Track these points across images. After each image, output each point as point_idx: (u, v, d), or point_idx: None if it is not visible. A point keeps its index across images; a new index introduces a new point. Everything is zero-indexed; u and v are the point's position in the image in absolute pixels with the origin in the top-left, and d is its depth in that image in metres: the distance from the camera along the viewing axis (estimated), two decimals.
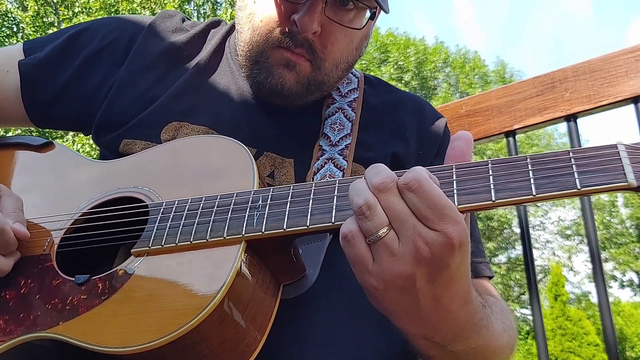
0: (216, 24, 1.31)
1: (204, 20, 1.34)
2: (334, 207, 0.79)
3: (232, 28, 1.28)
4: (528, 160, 0.75)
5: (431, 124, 1.25)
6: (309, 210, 0.80)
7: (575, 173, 0.72)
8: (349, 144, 1.12)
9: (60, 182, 1.05)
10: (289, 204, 0.82)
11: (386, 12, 1.12)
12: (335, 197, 0.80)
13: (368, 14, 1.11)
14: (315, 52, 1.07)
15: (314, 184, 0.84)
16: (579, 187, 0.71)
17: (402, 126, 1.20)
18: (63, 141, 11.11)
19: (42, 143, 1.11)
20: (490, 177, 0.75)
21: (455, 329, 0.82)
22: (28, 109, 1.22)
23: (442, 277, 0.74)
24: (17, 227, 0.90)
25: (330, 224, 0.78)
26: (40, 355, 0.85)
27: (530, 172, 0.74)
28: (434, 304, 0.77)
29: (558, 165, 0.73)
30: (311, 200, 0.81)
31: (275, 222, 0.81)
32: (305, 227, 0.79)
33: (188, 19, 1.32)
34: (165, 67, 1.20)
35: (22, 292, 0.88)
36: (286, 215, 0.81)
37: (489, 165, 0.76)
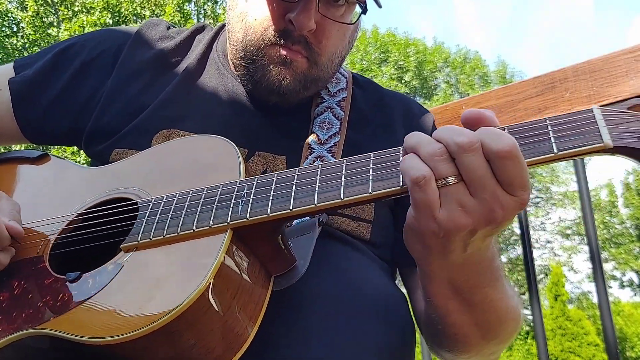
0: (201, 29, 1.32)
1: (195, 24, 1.35)
2: (317, 189, 0.80)
3: (218, 31, 1.30)
4: (506, 130, 0.76)
5: (420, 121, 1.26)
6: (292, 194, 0.81)
7: (552, 138, 0.73)
8: (338, 141, 1.13)
9: (55, 189, 1.08)
10: (272, 189, 0.83)
11: (379, 6, 1.13)
12: (317, 179, 0.82)
13: (358, 8, 1.13)
14: (311, 48, 1.09)
15: (297, 170, 0.85)
16: (555, 151, 0.72)
17: (391, 125, 1.22)
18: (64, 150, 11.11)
19: (38, 155, 1.14)
20: None
21: (477, 271, 0.85)
22: (21, 126, 1.23)
23: (497, 233, 0.77)
24: (11, 224, 0.92)
25: (313, 205, 0.79)
26: (35, 353, 0.86)
27: None
28: (476, 252, 0.80)
29: (535, 133, 0.75)
30: (294, 184, 0.82)
31: (260, 207, 0.82)
32: (289, 211, 0.80)
33: (173, 26, 1.33)
34: (152, 74, 1.20)
35: (15, 293, 0.89)
36: (270, 201, 0.82)
37: None
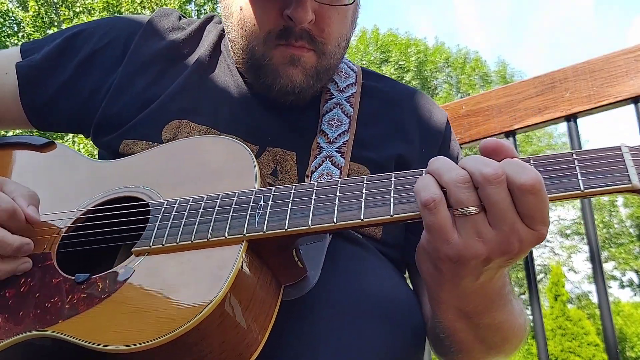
0: (211, 19, 1.30)
1: (205, 15, 1.33)
2: (336, 207, 0.79)
3: None
4: (531, 161, 0.75)
5: (433, 120, 1.23)
6: (311, 210, 0.80)
7: (578, 174, 0.72)
8: (347, 141, 1.11)
9: (61, 181, 1.05)
10: (290, 203, 0.82)
11: None
12: (337, 197, 0.81)
13: None
14: (314, 39, 1.07)
15: (316, 184, 0.84)
16: (582, 188, 0.71)
17: (402, 123, 1.19)
18: (63, 141, 11.12)
19: (43, 143, 1.11)
20: None
21: (487, 298, 0.85)
22: (27, 111, 1.22)
23: (511, 264, 0.77)
24: (30, 211, 0.89)
25: (332, 224, 0.78)
26: (40, 353, 0.85)
27: None
28: (487, 282, 0.80)
29: (561, 167, 0.74)
30: (313, 200, 0.81)
31: (277, 222, 0.80)
32: (307, 227, 0.79)
33: (184, 17, 1.31)
34: (163, 65, 1.19)
35: (21, 290, 0.88)
36: (288, 216, 0.80)
37: None
